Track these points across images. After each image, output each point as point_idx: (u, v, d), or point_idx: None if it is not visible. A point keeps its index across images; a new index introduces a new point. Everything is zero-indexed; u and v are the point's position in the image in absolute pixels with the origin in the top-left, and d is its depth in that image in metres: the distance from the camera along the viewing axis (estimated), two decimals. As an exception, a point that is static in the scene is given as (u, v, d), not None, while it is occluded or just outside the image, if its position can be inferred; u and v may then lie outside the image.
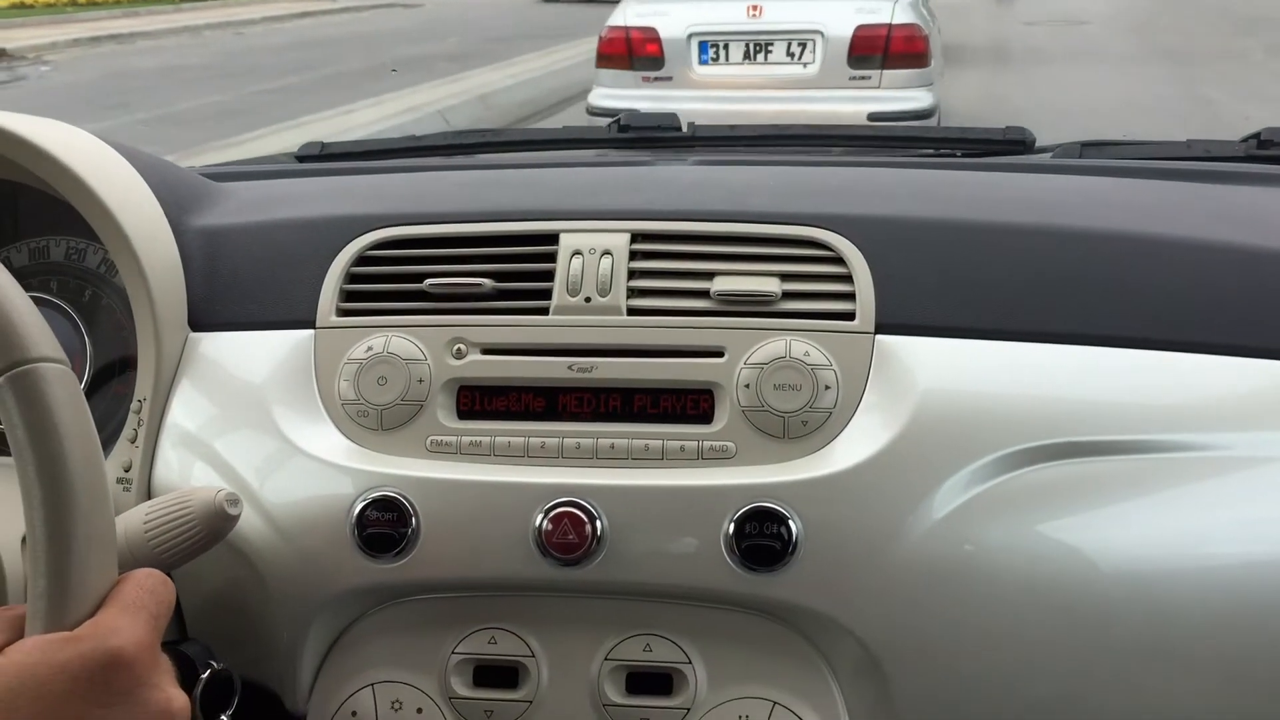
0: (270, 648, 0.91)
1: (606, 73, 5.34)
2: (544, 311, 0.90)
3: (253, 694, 0.88)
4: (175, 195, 0.97)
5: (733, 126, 1.37)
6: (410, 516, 0.84)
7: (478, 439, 0.87)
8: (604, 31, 5.44)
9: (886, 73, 4.87)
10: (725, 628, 0.89)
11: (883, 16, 5.00)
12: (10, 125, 0.85)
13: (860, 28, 4.92)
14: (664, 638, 0.88)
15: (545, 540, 0.82)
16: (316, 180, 1.17)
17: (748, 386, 0.84)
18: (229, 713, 0.83)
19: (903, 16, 5.07)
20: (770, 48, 4.96)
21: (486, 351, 0.88)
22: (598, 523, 0.83)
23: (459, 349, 0.87)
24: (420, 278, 0.93)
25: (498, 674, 0.90)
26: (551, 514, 0.82)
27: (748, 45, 5.02)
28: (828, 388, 0.83)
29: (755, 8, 4.97)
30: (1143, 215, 0.94)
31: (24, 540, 0.64)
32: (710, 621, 0.89)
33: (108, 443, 0.93)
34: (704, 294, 0.89)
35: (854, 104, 4.82)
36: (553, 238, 0.92)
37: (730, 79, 5.11)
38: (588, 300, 0.87)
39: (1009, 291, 0.86)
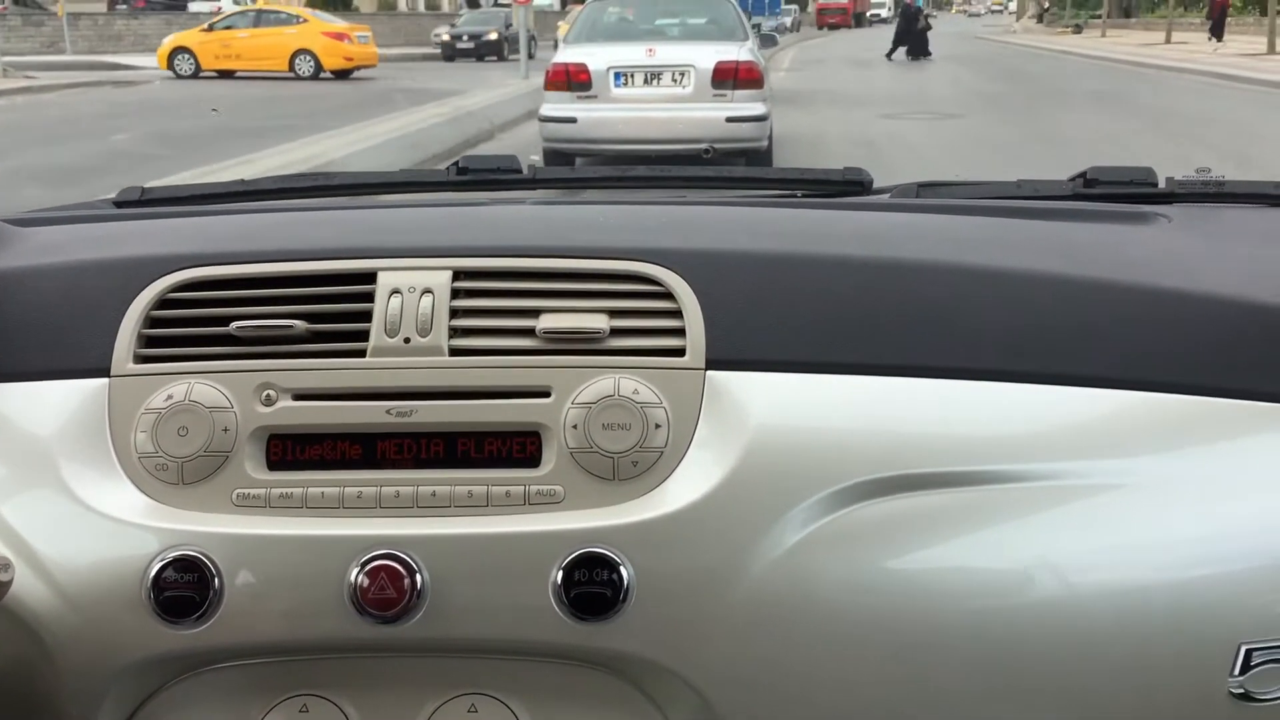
0: None
1: (551, 93, 7.23)
2: (360, 354, 0.75)
3: None
4: None
5: (573, 169, 1.32)
6: (212, 577, 0.70)
7: (288, 490, 0.73)
8: (549, 67, 7.32)
9: (737, 91, 6.75)
10: (556, 682, 0.74)
11: (733, 56, 6.83)
12: None
13: (719, 63, 6.76)
14: (491, 697, 0.75)
15: (361, 597, 0.69)
16: (129, 224, 1.00)
17: (575, 427, 0.72)
18: None
19: (746, 56, 6.88)
20: (660, 76, 6.93)
21: (299, 397, 0.74)
22: (417, 576, 0.70)
23: (268, 395, 0.75)
24: (227, 320, 0.77)
25: None
26: (368, 568, 0.69)
27: (646, 74, 6.93)
28: (658, 426, 0.72)
29: (650, 50, 7.07)
30: (974, 249, 0.87)
31: None
32: (539, 677, 0.74)
33: None
34: (529, 332, 0.76)
35: (716, 111, 6.60)
36: (369, 276, 0.78)
37: (636, 96, 6.98)
38: (407, 341, 0.76)
39: (841, 325, 0.77)
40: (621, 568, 0.70)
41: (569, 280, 0.78)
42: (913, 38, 19.58)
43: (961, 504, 0.72)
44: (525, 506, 0.73)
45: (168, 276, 0.79)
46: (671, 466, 0.73)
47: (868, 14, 55.36)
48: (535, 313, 0.77)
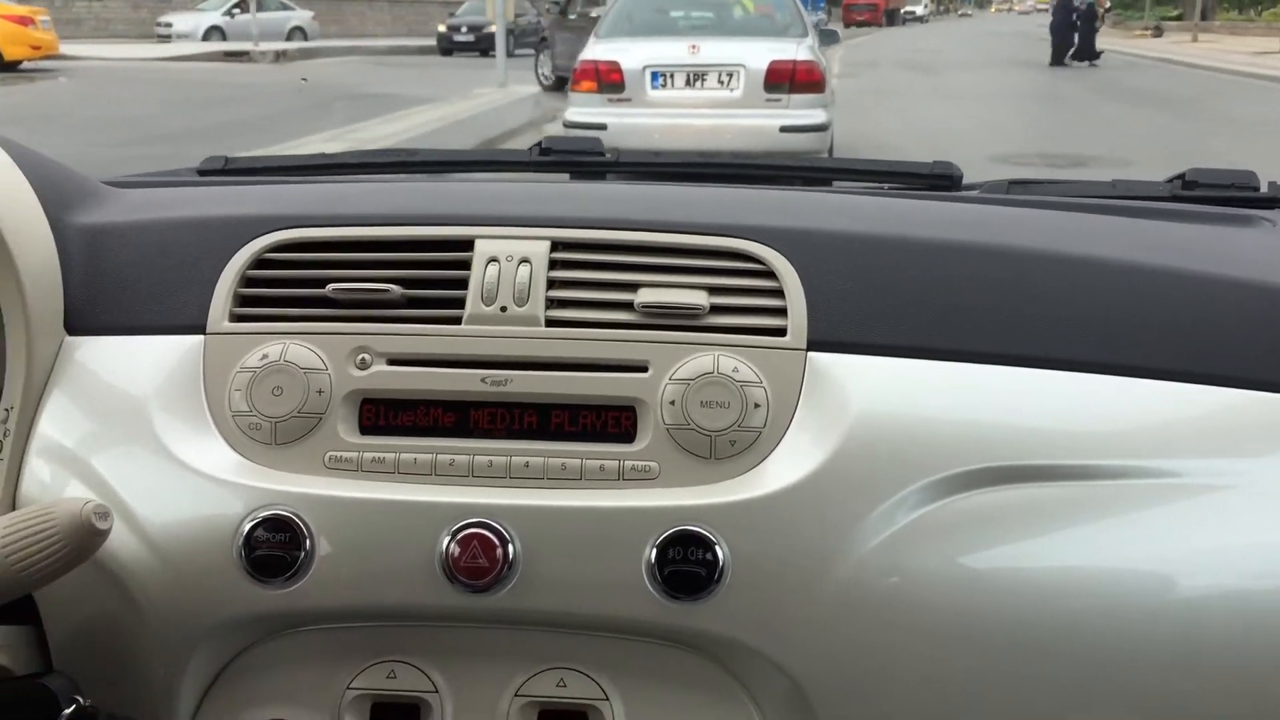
0: (144, 682, 0.84)
1: (579, 95, 7.32)
2: (456, 321, 0.86)
3: None
4: (56, 191, 0.92)
5: (656, 153, 1.42)
6: (304, 538, 0.80)
7: (381, 455, 0.83)
8: (577, 64, 7.43)
9: (793, 96, 6.81)
10: (645, 661, 0.83)
11: (789, 55, 6.88)
12: None
13: (773, 62, 6.82)
14: (579, 672, 0.84)
15: (452, 565, 0.79)
16: (222, 188, 1.13)
17: (673, 403, 0.82)
18: None
19: (805, 55, 6.92)
20: (705, 77, 7.00)
21: (393, 362, 0.86)
22: (510, 546, 0.79)
23: (363, 359, 0.86)
24: (323, 283, 0.88)
25: (397, 712, 0.85)
26: (459, 536, 0.79)
27: (688, 74, 7.01)
28: (757, 406, 0.82)
29: (694, 46, 7.10)
30: (1076, 240, 0.96)
31: None
32: (629, 655, 0.83)
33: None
34: (627, 306, 0.86)
35: (769, 119, 6.67)
36: (467, 244, 0.89)
37: (675, 100, 7.04)
38: (503, 310, 0.86)
39: (946, 310, 0.86)
40: (717, 547, 0.80)
41: (668, 255, 0.90)
42: (1080, 36, 19.13)
43: (1064, 498, 0.81)
44: (619, 482, 0.84)
45: (265, 236, 0.92)
46: (770, 447, 0.83)
47: (901, 11, 55.48)
48: (633, 286, 0.89)
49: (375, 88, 13.79)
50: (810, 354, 0.86)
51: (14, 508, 0.85)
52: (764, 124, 6.87)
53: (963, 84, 16.02)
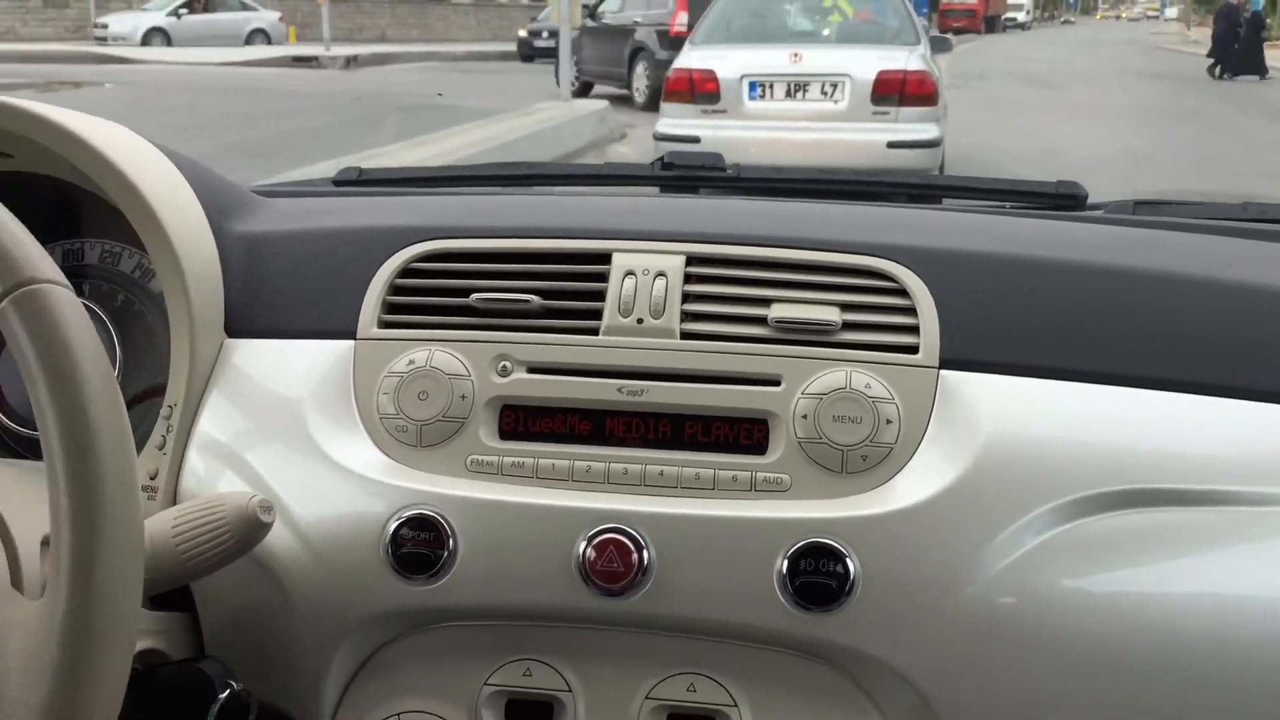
0: (293, 670, 0.94)
1: (670, 105, 7.37)
2: (594, 331, 0.95)
3: (267, 714, 0.91)
4: (217, 200, 1.03)
5: (778, 169, 1.53)
6: (447, 537, 0.89)
7: (520, 460, 0.93)
8: (669, 72, 7.46)
9: (903, 109, 6.76)
10: (773, 670, 0.90)
11: (900, 64, 6.85)
12: (63, 120, 0.94)
13: (882, 72, 6.79)
14: (709, 678, 0.92)
15: (589, 568, 0.87)
16: (366, 199, 1.25)
17: (805, 417, 0.90)
18: None
19: (916, 65, 6.89)
20: (807, 87, 6.99)
21: (533, 370, 0.95)
22: (645, 552, 0.87)
23: (504, 366, 0.95)
24: (466, 292, 0.98)
25: (531, 709, 0.94)
26: (596, 541, 0.88)
27: (789, 85, 7.02)
28: (889, 422, 0.89)
29: (796, 55, 7.09)
30: (1209, 263, 1.00)
31: (44, 542, 0.73)
32: (758, 662, 0.91)
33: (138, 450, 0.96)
34: (760, 320, 0.94)
35: (875, 134, 6.66)
36: (605, 257, 0.99)
37: (774, 112, 7.05)
38: (640, 322, 0.95)
39: (1076, 331, 0.92)
40: (848, 560, 0.87)
41: (801, 271, 0.99)
42: (1243, 47, 18.50)
43: (1197, 524, 0.86)
44: (751, 492, 0.92)
45: (413, 246, 1.03)
46: (901, 463, 0.91)
47: (1002, 17, 55.38)
48: (766, 301, 0.97)
49: (437, 98, 13.91)
50: (942, 372, 0.93)
51: (175, 500, 0.95)
52: (870, 139, 6.84)
53: (1089, 101, 15.35)
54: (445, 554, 0.91)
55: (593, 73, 15.86)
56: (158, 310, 1.05)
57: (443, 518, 0.91)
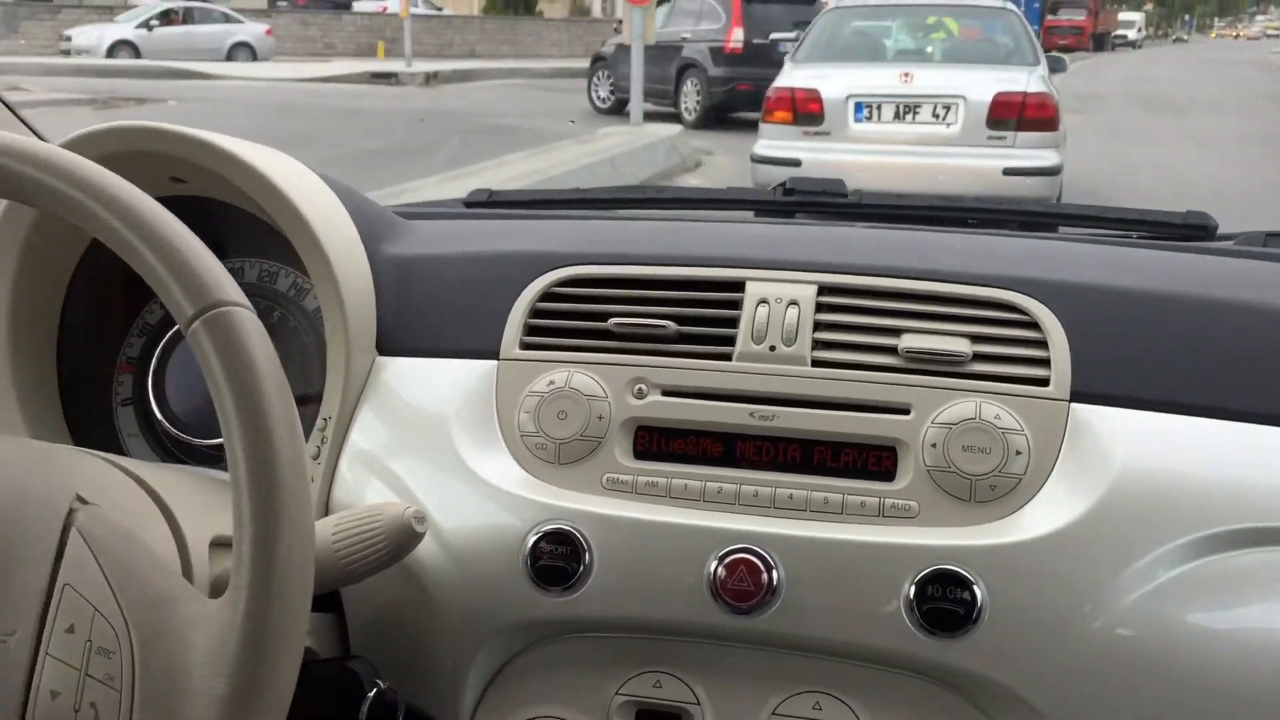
0: (433, 673, 1.03)
1: (770, 126, 7.38)
2: (727, 357, 1.04)
3: (411, 714, 1.00)
4: (369, 223, 1.15)
5: (899, 195, 1.61)
6: (584, 551, 0.98)
7: (654, 479, 1.01)
8: (770, 91, 7.51)
9: (1020, 134, 6.67)
10: (898, 692, 0.97)
11: (1019, 86, 6.77)
12: (235, 149, 1.05)
13: (999, 94, 6.71)
14: (835, 697, 0.99)
15: (719, 586, 0.95)
16: (494, 222, 1.37)
17: (934, 446, 0.96)
18: None
19: (1037, 86, 6.82)
20: (918, 109, 6.96)
21: (667, 393, 1.04)
22: (774, 572, 0.95)
23: (640, 389, 1.04)
24: (603, 316, 1.08)
25: (659, 719, 1.03)
26: (727, 560, 0.95)
27: (898, 106, 6.99)
28: (1019, 453, 0.95)
29: (907, 75, 7.08)
30: None
31: (213, 543, 0.84)
32: (882, 684, 0.97)
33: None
34: (890, 350, 1.02)
35: (991, 160, 6.59)
36: (738, 285, 1.07)
37: (881, 135, 7.01)
38: (772, 349, 1.03)
39: (1209, 367, 0.97)
40: (975, 587, 0.93)
41: (932, 303, 1.05)
42: None
43: None
44: (879, 518, 0.99)
45: (553, 271, 1.12)
46: (1030, 494, 0.96)
47: (1111, 35, 54.39)
48: (896, 331, 1.04)
49: (508, 118, 13.86)
50: (1073, 405, 0.99)
51: (327, 510, 1.05)
52: (984, 165, 6.78)
53: (1224, 130, 14.45)
54: (581, 567, 0.99)
55: (629, 89, 15.94)
56: (309, 326, 1.17)
57: (579, 533, 1.00)
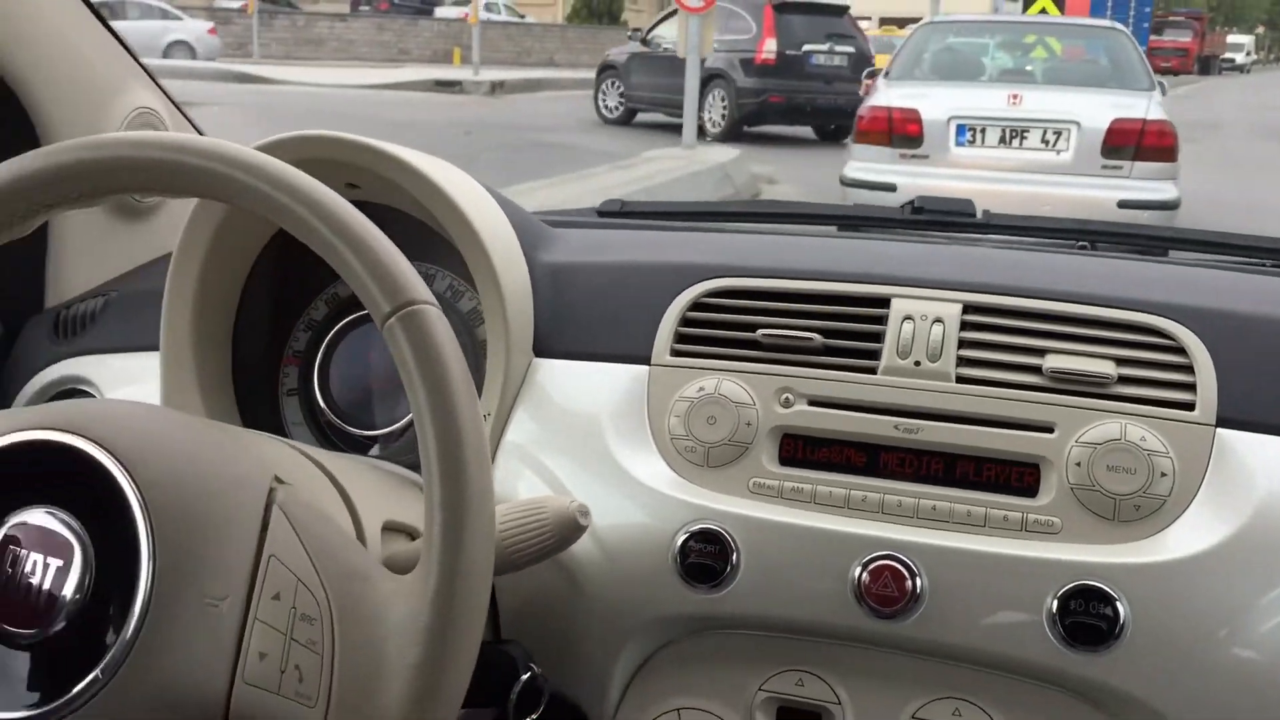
0: (581, 662, 1.13)
1: (863, 147, 7.26)
2: (871, 371, 1.12)
3: (554, 704, 1.10)
4: (525, 232, 1.26)
5: (1028, 217, 1.70)
6: (732, 551, 1.07)
7: (799, 485, 1.10)
8: (864, 110, 7.37)
9: (1137, 164, 6.54)
10: (1035, 703, 1.05)
11: (1138, 112, 6.65)
12: (408, 158, 1.16)
13: (1117, 121, 6.61)
14: (973, 704, 1.07)
15: (864, 591, 1.04)
16: (634, 233, 1.49)
17: (1079, 465, 1.04)
18: (535, 717, 1.07)
19: (1156, 113, 6.69)
20: (1026, 134, 6.80)
21: (813, 403, 1.12)
22: (918, 580, 1.03)
23: (787, 398, 1.13)
24: (750, 327, 1.17)
25: (801, 716, 1.11)
26: (871, 566, 1.04)
27: (1004, 130, 6.86)
28: (1163, 475, 1.02)
29: (1015, 96, 6.88)
30: None
31: (385, 527, 0.95)
32: (1021, 694, 1.05)
33: None
34: (1034, 370, 1.09)
35: (1104, 191, 6.47)
36: (884, 302, 1.16)
37: (984, 161, 6.87)
38: (917, 364, 1.12)
39: None
40: (1118, 603, 1.00)
41: (1076, 325, 1.13)
42: None
43: None
44: (1022, 532, 1.07)
45: (706, 282, 1.23)
46: (1174, 515, 1.04)
47: (1219, 58, 53.39)
48: (1040, 351, 1.12)
49: (560, 133, 13.70)
50: (1219, 430, 1.06)
51: None
52: (1097, 196, 6.67)
53: None
54: (729, 566, 1.09)
55: (645, 99, 15.93)
56: (463, 327, 1.28)
57: (728, 533, 1.09)
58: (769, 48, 14.45)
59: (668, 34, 15.78)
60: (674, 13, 15.91)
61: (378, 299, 0.82)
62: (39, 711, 0.71)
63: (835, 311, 1.19)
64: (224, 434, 0.88)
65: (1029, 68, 8.35)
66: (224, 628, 0.75)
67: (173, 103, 1.59)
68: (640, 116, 16.43)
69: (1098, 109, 6.83)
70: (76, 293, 1.52)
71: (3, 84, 1.40)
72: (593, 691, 1.15)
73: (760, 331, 1.18)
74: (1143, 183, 6.68)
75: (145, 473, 0.75)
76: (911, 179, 6.87)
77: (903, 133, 7.16)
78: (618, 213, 1.66)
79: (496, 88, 20.98)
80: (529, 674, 1.07)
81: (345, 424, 1.29)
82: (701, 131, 13.85)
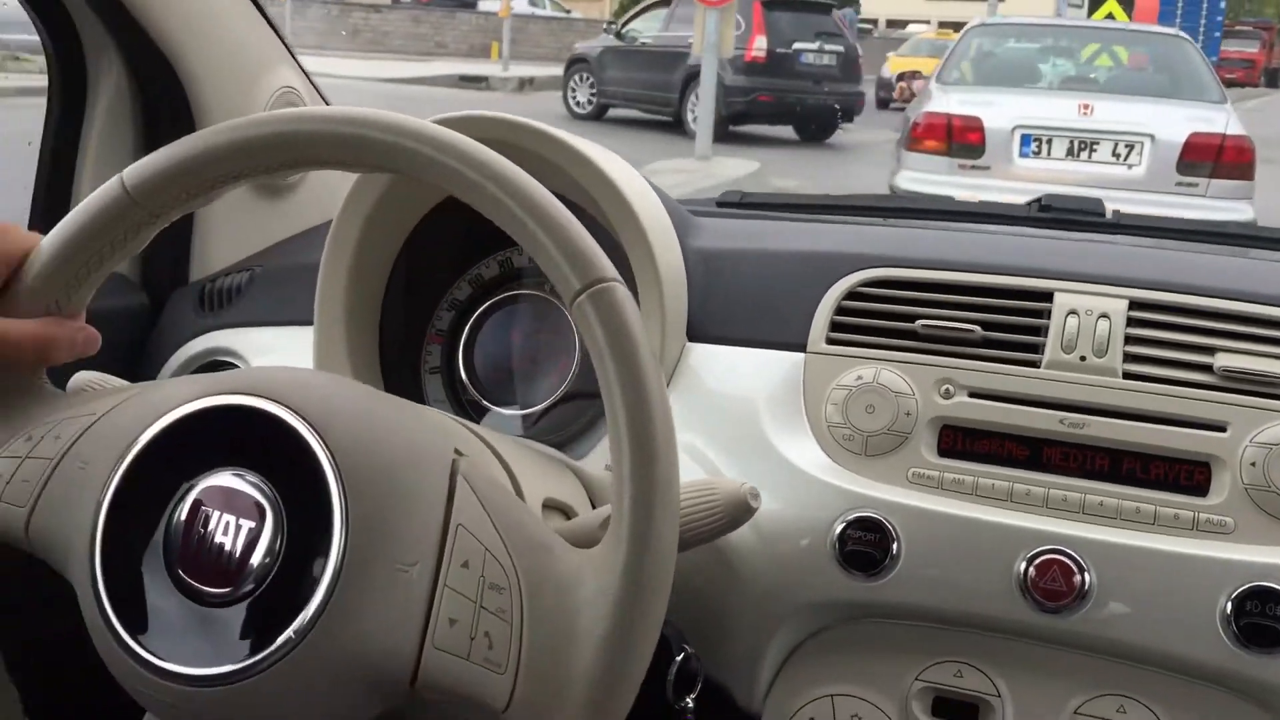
0: (733, 645, 1.19)
1: (916, 156, 7.14)
2: (1033, 364, 1.17)
3: (705, 685, 1.16)
4: (677, 218, 1.32)
5: (1159, 218, 1.76)
6: (892, 540, 1.12)
7: (960, 477, 1.14)
8: (918, 116, 7.25)
9: (1214, 181, 6.51)
10: (1204, 704, 1.09)
11: (1217, 126, 6.63)
12: (571, 141, 1.23)
13: (1194, 135, 6.56)
14: (1139, 703, 1.11)
15: (1029, 585, 1.08)
16: (774, 223, 1.55)
17: (1253, 465, 1.08)
18: (693, 697, 1.13)
19: (1235, 128, 6.66)
20: (1095, 146, 6.75)
21: (974, 395, 1.17)
22: (1085, 575, 1.07)
23: (947, 389, 1.18)
24: (908, 318, 1.22)
25: (958, 708, 1.15)
26: (1038, 561, 1.08)
27: (1072, 142, 6.81)
28: None
29: (1086, 106, 6.82)
30: None
31: (545, 505, 1.01)
32: (1188, 695, 1.09)
33: (598, 436, 1.28)
34: (1203, 368, 1.14)
35: (1178, 210, 6.28)
36: (1046, 295, 1.21)
37: (1050, 174, 6.76)
38: (1082, 359, 1.16)
39: None
40: None
41: (1249, 324, 1.18)
42: None
43: None
44: (1193, 531, 1.11)
45: (862, 272, 1.28)
46: None
47: None
48: (1210, 350, 1.17)
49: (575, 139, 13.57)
50: None
51: None
52: (1170, 215, 6.37)
53: None
54: (889, 556, 1.13)
55: (620, 95, 15.88)
56: None
57: (888, 522, 1.14)
58: (759, 45, 14.47)
59: (644, 27, 15.95)
60: (652, 5, 15.96)
61: (568, 276, 0.85)
62: (232, 668, 0.74)
63: (995, 304, 1.23)
64: (403, 407, 0.92)
65: (1093, 75, 8.25)
66: (414, 593, 0.79)
67: (311, 83, 1.69)
68: (612, 112, 16.47)
69: (1174, 121, 6.79)
70: (218, 267, 1.60)
71: (162, 58, 1.49)
72: (742, 675, 1.21)
73: (919, 322, 1.23)
74: (1218, 201, 6.62)
75: (337, 438, 0.79)
76: (970, 192, 6.79)
77: (963, 142, 7.09)
78: (737, 203, 1.71)
79: (525, 84, 20.96)
80: (683, 655, 1.13)
81: (479, 394, 1.36)
82: (681, 126, 14.00)
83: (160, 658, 0.75)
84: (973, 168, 7.07)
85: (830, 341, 1.24)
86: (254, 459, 0.79)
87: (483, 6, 30.39)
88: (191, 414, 0.82)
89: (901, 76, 21.36)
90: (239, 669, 0.74)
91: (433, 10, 30.22)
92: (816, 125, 15.43)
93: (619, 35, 16.33)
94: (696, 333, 1.29)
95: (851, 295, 1.26)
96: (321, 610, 0.75)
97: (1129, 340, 1.18)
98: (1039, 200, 1.70)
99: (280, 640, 0.74)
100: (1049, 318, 1.21)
